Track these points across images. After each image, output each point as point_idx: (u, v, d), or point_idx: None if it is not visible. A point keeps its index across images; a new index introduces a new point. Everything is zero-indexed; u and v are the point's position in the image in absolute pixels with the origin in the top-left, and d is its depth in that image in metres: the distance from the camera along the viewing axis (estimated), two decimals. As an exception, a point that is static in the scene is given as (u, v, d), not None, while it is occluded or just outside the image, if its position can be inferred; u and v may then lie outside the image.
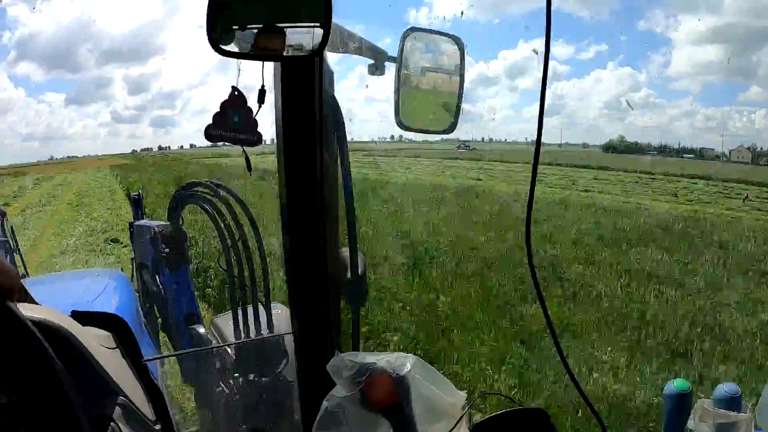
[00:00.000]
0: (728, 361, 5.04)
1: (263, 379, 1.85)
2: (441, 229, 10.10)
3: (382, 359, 0.85)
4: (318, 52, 0.97)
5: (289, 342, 1.79)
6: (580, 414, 3.60)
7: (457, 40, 1.41)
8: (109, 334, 1.04)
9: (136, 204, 3.75)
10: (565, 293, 6.85)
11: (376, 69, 1.48)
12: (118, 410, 0.88)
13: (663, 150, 31.99)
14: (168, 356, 2.39)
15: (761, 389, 1.11)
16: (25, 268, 4.22)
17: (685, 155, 30.23)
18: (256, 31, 1.00)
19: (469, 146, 31.46)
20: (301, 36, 1.01)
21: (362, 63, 1.45)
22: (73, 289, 2.18)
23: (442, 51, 1.44)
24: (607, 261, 8.44)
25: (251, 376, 1.86)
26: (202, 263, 6.08)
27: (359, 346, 1.42)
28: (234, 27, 1.01)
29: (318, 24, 0.98)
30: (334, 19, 0.99)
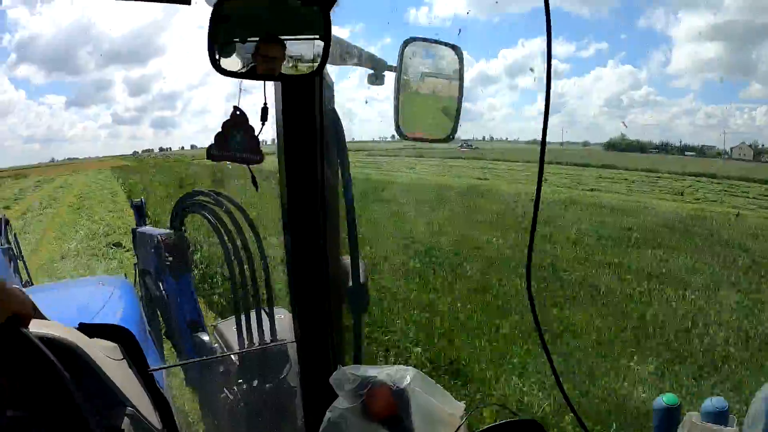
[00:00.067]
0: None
1: (267, 385, 1.87)
2: (460, 231, 9.88)
3: (382, 372, 0.88)
4: (318, 71, 0.99)
5: (292, 348, 1.81)
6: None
7: (455, 49, 1.42)
8: (116, 345, 1.07)
9: (139, 210, 3.77)
10: (598, 298, 6.62)
11: (376, 79, 1.50)
12: (126, 420, 0.91)
13: (665, 148, 31.94)
14: (173, 366, 2.41)
15: None
16: (29, 275, 4.23)
17: (686, 153, 30.20)
18: (256, 43, 1.02)
19: (471, 145, 31.43)
20: (302, 48, 1.03)
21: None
22: (78, 298, 2.20)
23: (441, 60, 1.45)
24: (633, 265, 8.12)
25: (255, 383, 1.88)
26: (209, 269, 6.00)
27: (362, 354, 1.44)
28: (235, 40, 1.03)
29: (318, 36, 1.00)
30: (334, 32, 1.00)
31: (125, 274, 4.19)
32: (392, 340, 5.07)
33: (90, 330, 1.02)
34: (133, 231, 3.45)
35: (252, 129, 1.10)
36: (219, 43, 0.99)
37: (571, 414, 3.69)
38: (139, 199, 3.99)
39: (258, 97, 1.09)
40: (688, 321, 5.95)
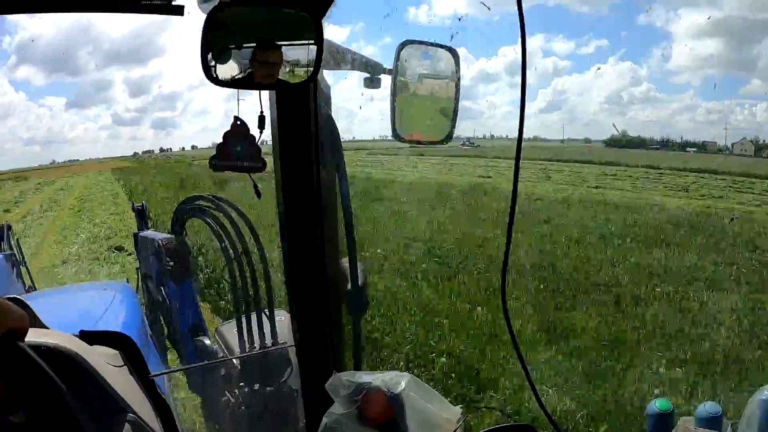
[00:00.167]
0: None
1: (268, 389, 1.88)
2: (470, 231, 9.71)
3: (377, 378, 0.89)
4: (312, 77, 1.00)
5: (292, 351, 1.81)
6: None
7: (451, 51, 1.42)
8: (117, 352, 1.08)
9: (140, 214, 3.78)
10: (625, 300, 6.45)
11: (372, 82, 1.50)
12: (127, 427, 0.92)
13: (666, 144, 31.88)
14: (175, 371, 2.43)
15: None
16: (32, 280, 4.23)
17: (688, 149, 30.12)
18: (252, 50, 1.03)
19: (473, 143, 31.42)
20: (295, 55, 1.03)
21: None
22: (79, 304, 2.21)
23: (437, 62, 1.46)
24: (666, 266, 7.93)
25: (256, 386, 1.89)
26: (215, 273, 5.92)
27: (361, 357, 1.45)
28: (230, 46, 1.04)
29: (312, 42, 1.00)
30: (328, 31, 1.01)
31: (127, 279, 4.20)
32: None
33: (90, 337, 1.02)
34: (135, 235, 3.46)
35: (253, 138, 1.12)
36: (212, 52, 1.00)
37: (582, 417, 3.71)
38: (140, 203, 4.00)
39: (255, 103, 1.11)
40: (735, 324, 5.76)
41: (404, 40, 1.45)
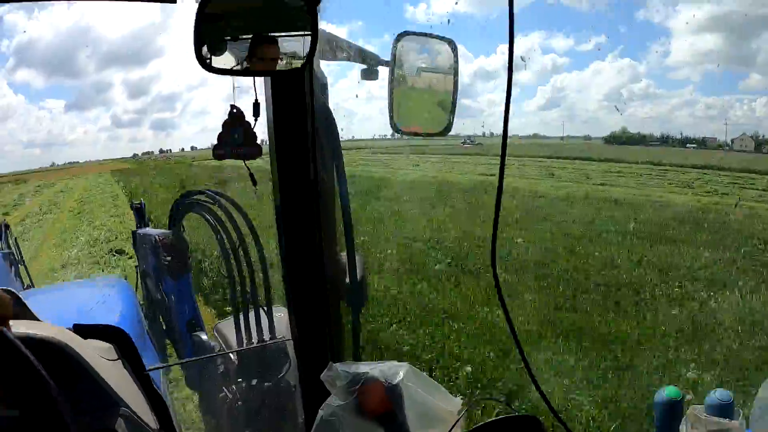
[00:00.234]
0: None
1: (266, 384, 1.86)
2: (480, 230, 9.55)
3: (375, 368, 0.87)
4: (305, 65, 0.99)
5: (290, 346, 1.80)
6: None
7: (450, 43, 1.41)
8: (111, 345, 1.06)
9: (139, 212, 3.78)
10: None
11: (370, 74, 1.49)
12: (120, 421, 0.90)
13: (666, 140, 31.84)
14: (169, 366, 2.41)
15: None
16: (30, 278, 4.25)
17: (688, 145, 30.08)
18: (248, 42, 1.02)
19: (474, 141, 31.39)
20: (294, 44, 1.02)
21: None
22: (75, 299, 2.20)
23: (435, 54, 1.44)
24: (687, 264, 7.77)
25: (254, 381, 1.87)
26: (218, 275, 5.83)
27: (360, 350, 1.44)
28: (226, 38, 1.03)
29: (308, 32, 1.00)
30: (326, 27, 1.00)
31: (126, 277, 4.19)
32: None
33: (84, 331, 1.01)
34: (134, 233, 3.46)
35: (249, 124, 1.15)
36: (205, 41, 0.99)
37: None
38: (139, 201, 4.00)
39: (251, 94, 1.12)
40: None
41: (402, 31, 1.44)
